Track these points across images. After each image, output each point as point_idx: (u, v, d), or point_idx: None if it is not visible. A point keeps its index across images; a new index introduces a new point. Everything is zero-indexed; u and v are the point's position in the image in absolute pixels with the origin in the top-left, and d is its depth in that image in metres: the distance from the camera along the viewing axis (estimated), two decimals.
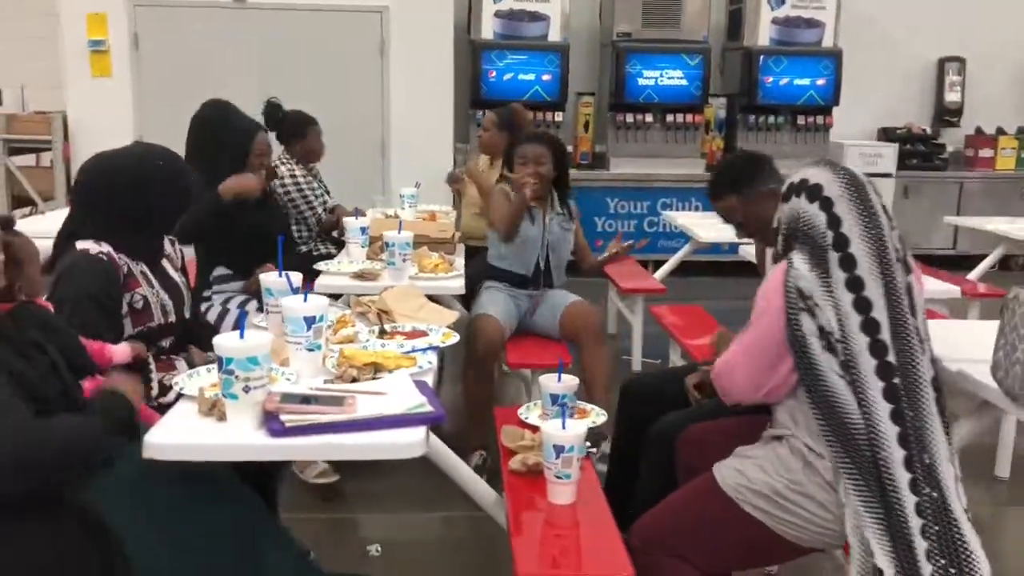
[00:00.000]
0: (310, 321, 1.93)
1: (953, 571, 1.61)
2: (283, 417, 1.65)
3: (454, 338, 2.34)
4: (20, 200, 6.85)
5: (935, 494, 1.66)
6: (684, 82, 6.90)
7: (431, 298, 2.76)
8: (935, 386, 1.75)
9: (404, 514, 3.08)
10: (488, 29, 6.69)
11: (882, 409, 1.69)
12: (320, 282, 2.95)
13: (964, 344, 2.17)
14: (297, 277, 2.24)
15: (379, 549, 2.75)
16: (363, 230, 3.28)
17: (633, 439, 2.45)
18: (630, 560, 1.73)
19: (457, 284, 3.06)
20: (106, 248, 2.15)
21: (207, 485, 1.78)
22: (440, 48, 6.55)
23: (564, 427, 1.90)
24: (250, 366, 1.62)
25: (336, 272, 3.11)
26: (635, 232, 6.78)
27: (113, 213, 2.18)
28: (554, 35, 6.73)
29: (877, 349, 1.71)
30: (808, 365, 1.74)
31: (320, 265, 3.17)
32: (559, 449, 1.88)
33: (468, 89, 6.74)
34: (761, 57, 6.98)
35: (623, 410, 2.65)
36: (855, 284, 1.73)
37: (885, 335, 1.71)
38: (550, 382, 2.19)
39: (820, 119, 7.12)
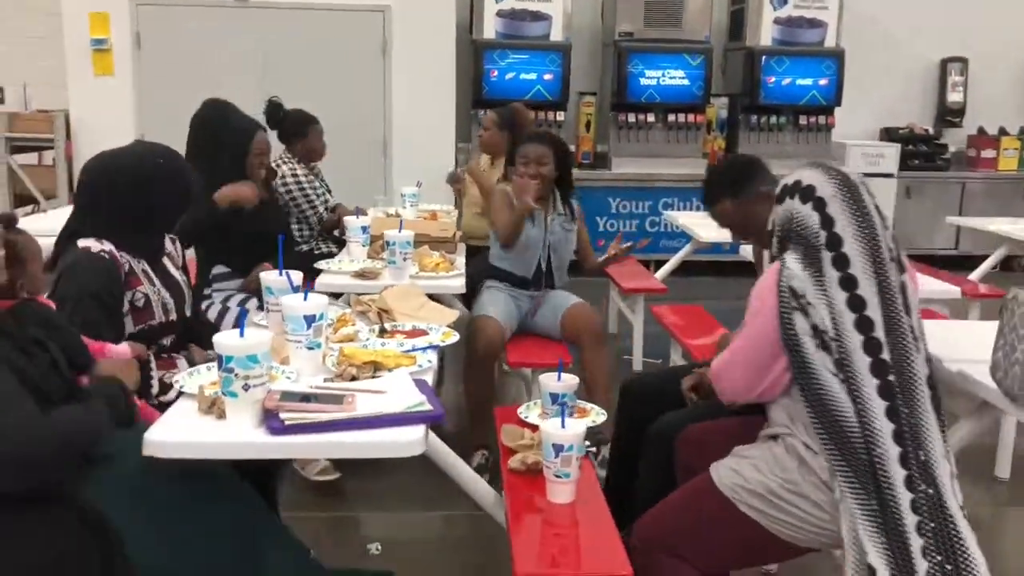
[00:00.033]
0: (310, 319, 1.94)
1: (949, 567, 1.61)
2: (283, 415, 1.66)
3: (454, 337, 2.35)
4: (22, 198, 6.85)
5: (931, 491, 1.66)
6: (686, 82, 6.89)
7: (432, 297, 2.77)
8: (930, 384, 1.75)
9: (404, 513, 3.08)
10: (490, 28, 6.69)
11: (877, 406, 1.69)
12: (321, 281, 2.95)
13: (964, 344, 2.17)
14: (297, 276, 2.25)
15: (379, 548, 2.75)
16: (364, 229, 3.29)
17: (633, 439, 2.45)
18: (629, 559, 1.74)
19: (458, 283, 3.07)
20: (108, 246, 2.16)
21: (207, 484, 1.79)
22: (442, 47, 6.55)
23: (563, 426, 1.91)
24: (250, 364, 1.63)
25: (337, 271, 3.11)
26: (636, 232, 6.79)
27: (115, 211, 2.19)
28: (556, 35, 6.73)
29: (871, 347, 1.71)
30: (802, 364, 1.74)
31: (321, 264, 3.17)
32: (558, 448, 1.89)
33: (470, 89, 6.74)
34: (763, 57, 6.97)
35: (623, 410, 2.65)
36: (849, 283, 1.73)
37: (879, 333, 1.72)
38: (550, 381, 2.19)
39: (822, 119, 7.11)
